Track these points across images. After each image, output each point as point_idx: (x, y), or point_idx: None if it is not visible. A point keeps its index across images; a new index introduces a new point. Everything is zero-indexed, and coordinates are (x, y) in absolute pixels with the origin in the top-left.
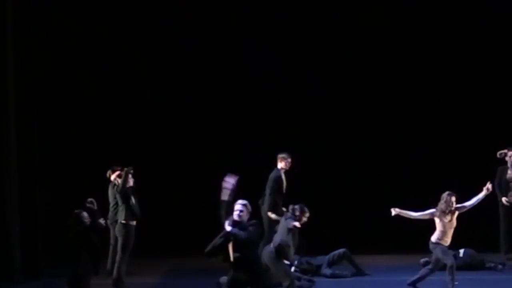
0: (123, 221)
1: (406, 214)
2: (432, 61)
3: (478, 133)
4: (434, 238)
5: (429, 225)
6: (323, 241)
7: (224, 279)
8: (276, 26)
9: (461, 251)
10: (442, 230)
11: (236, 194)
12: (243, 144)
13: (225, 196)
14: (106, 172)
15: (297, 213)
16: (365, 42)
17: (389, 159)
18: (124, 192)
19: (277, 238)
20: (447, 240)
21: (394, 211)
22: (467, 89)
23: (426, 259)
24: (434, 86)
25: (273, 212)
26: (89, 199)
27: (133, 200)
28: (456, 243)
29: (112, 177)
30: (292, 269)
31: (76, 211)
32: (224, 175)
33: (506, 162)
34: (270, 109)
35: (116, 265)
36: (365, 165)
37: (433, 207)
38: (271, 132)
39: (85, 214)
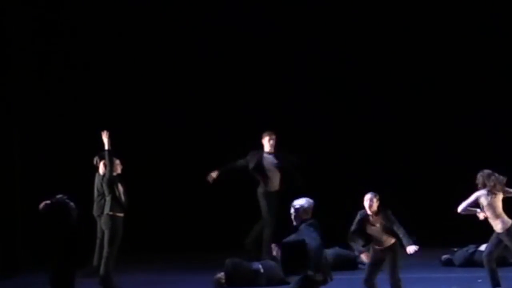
0: (109, 213)
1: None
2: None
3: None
4: None
5: (446, 219)
6: (334, 235)
7: (219, 276)
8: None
9: (484, 246)
10: None
11: None
12: (237, 137)
13: None
14: (92, 159)
15: None
16: (370, 41)
17: (409, 153)
18: (111, 181)
19: None
20: None
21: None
22: (490, 86)
23: (448, 256)
24: (465, 81)
25: None
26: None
27: (120, 189)
28: (476, 238)
29: (101, 170)
30: None
31: (60, 200)
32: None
33: None
34: (269, 100)
35: (103, 260)
36: (381, 158)
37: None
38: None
39: (72, 204)
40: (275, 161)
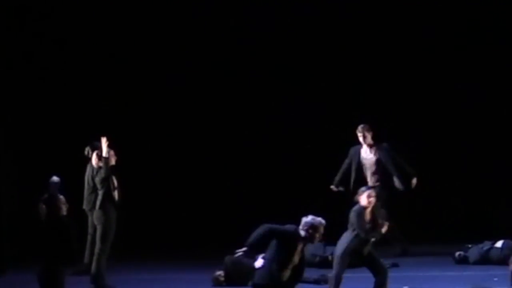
0: (102, 208)
1: None
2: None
3: None
4: None
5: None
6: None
7: (218, 274)
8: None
9: (500, 242)
10: None
11: None
12: (233, 132)
13: None
14: (83, 150)
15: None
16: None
17: (422, 147)
18: (107, 178)
19: None
20: None
21: None
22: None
23: (462, 252)
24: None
25: None
26: None
27: (115, 183)
28: (494, 234)
29: (93, 161)
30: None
31: (50, 194)
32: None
33: None
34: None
35: (95, 257)
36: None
37: None
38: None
39: (62, 198)
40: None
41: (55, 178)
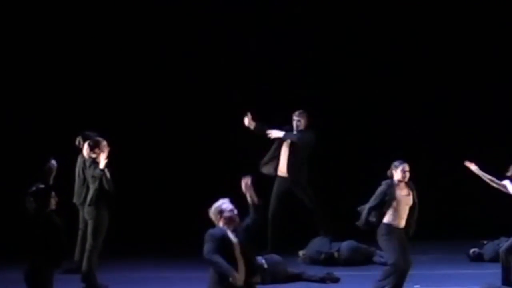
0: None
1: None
2: None
3: None
4: None
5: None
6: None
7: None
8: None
9: None
10: None
11: None
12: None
13: None
14: (74, 140)
15: None
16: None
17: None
18: (102, 174)
19: None
20: None
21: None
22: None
23: (476, 249)
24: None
25: None
26: None
27: (107, 175)
28: (507, 229)
29: (85, 152)
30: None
31: (37, 188)
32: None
33: None
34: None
35: (85, 255)
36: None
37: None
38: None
39: (51, 192)
40: None
41: (53, 162)
